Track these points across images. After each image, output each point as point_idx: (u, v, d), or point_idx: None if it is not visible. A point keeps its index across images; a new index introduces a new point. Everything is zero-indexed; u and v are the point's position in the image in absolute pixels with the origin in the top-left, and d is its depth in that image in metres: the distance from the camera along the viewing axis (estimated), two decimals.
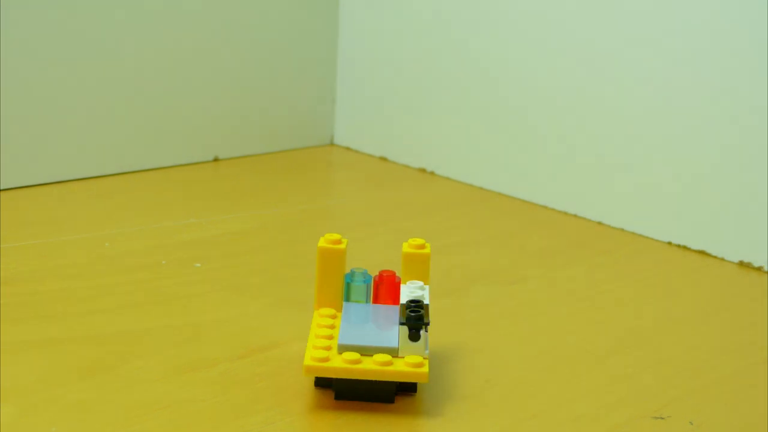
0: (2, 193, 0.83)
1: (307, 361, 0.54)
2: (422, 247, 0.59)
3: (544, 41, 0.87)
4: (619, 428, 0.54)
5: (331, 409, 0.54)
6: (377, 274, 0.60)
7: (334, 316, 0.58)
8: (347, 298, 0.59)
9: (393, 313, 0.58)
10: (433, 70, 0.95)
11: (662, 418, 0.55)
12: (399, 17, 0.97)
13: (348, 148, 1.02)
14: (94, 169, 0.89)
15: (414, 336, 0.54)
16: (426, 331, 0.55)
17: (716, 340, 0.66)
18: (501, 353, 0.62)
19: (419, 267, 0.59)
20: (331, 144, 1.03)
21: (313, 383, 0.56)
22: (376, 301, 0.60)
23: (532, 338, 0.64)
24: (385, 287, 0.59)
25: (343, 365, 0.54)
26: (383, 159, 0.99)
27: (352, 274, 0.60)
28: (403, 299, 0.57)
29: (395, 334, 0.56)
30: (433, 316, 0.62)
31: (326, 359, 0.54)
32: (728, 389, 0.60)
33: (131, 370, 0.57)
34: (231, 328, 0.63)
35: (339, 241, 0.59)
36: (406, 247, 0.60)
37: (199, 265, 0.72)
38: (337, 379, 0.55)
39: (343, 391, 0.55)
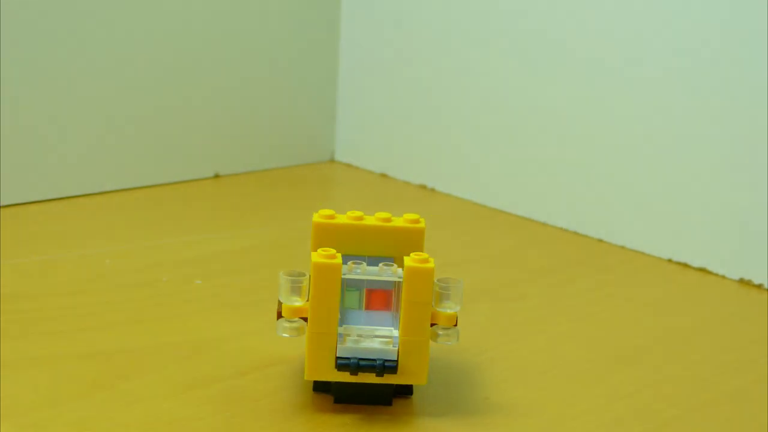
0: (2, 209, 0.83)
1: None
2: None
3: (543, 59, 0.87)
4: None
5: (332, 427, 0.54)
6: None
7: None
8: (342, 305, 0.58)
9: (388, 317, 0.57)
10: (434, 88, 0.95)
11: None
12: (400, 34, 0.97)
13: (348, 165, 1.02)
14: (94, 185, 0.89)
15: None
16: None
17: (717, 358, 0.66)
18: (500, 371, 0.62)
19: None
20: (332, 160, 1.03)
21: (310, 399, 0.56)
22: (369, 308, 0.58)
23: (531, 356, 0.64)
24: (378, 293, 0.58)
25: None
26: (384, 175, 0.99)
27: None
28: None
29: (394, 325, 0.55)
30: None
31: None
32: (728, 408, 0.60)
33: (132, 388, 0.57)
34: (232, 346, 0.63)
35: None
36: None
37: (200, 282, 0.72)
38: (336, 383, 0.55)
39: (342, 395, 0.55)
